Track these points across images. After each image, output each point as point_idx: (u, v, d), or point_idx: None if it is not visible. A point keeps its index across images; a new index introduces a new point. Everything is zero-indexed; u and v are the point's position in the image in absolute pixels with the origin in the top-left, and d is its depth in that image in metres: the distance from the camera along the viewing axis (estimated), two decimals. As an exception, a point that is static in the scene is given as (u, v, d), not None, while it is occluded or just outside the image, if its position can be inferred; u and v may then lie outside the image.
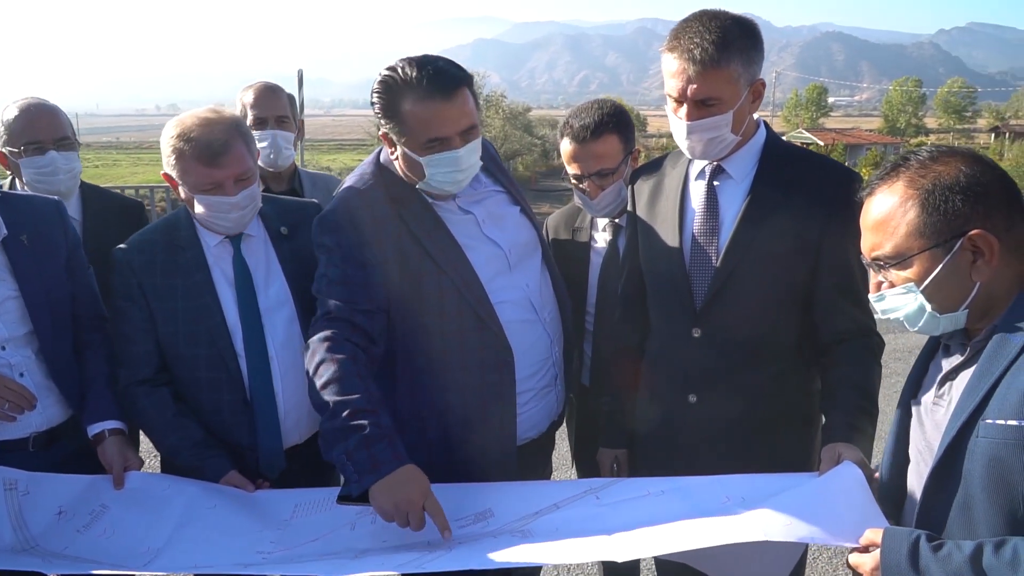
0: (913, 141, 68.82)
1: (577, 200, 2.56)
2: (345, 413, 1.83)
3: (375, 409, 1.87)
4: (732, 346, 2.04)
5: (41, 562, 1.82)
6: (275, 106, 3.02)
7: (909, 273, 1.42)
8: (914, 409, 1.59)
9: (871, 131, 74.66)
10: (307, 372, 2.01)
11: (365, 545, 1.86)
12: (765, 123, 2.10)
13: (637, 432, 2.28)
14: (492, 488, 2.01)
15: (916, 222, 1.39)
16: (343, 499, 1.87)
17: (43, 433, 2.15)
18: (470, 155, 2.01)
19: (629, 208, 2.29)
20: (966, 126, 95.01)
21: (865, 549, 1.47)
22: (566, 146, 2.45)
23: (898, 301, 1.46)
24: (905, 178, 1.43)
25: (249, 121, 3.00)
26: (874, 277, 1.50)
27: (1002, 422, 1.30)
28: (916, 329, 1.47)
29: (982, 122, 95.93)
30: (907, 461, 1.59)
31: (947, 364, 1.51)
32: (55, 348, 2.15)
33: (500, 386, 2.09)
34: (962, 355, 1.46)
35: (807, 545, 2.06)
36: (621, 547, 1.66)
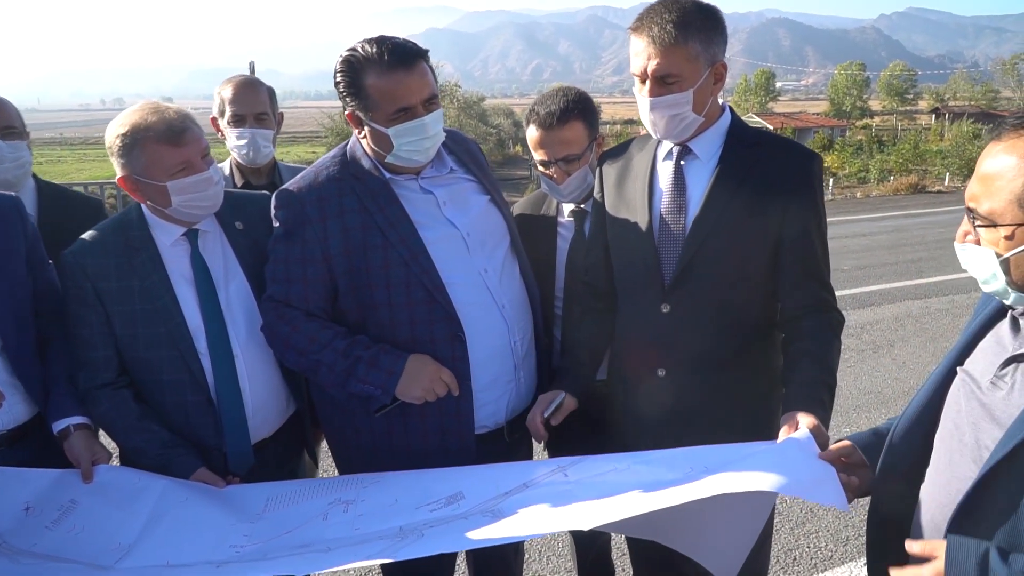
0: (859, 123, 70.46)
1: (543, 186, 2.59)
2: (339, 358, 2.07)
3: (354, 338, 2.11)
4: (700, 321, 2.09)
5: (8, 563, 1.79)
6: (255, 102, 2.97)
7: (995, 237, 1.32)
8: (960, 376, 1.49)
9: (818, 114, 76.19)
10: (279, 349, 2.16)
11: (339, 534, 1.87)
12: (730, 107, 2.16)
13: (608, 407, 2.33)
14: (463, 471, 2.04)
15: (1021, 193, 1.26)
16: (379, 410, 2.12)
17: (8, 432, 2.09)
18: (435, 123, 2.08)
19: (596, 191, 2.32)
20: (908, 108, 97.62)
21: (919, 560, 1.37)
22: (532, 132, 2.48)
23: (975, 258, 1.37)
24: None
25: (227, 117, 2.95)
26: (965, 224, 1.39)
27: None
28: (986, 289, 1.40)
29: (923, 104, 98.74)
30: (934, 426, 1.52)
31: (1016, 344, 1.39)
32: (19, 346, 2.10)
33: (454, 362, 2.12)
34: None
35: (771, 514, 2.13)
36: (586, 516, 1.70)
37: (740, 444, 1.86)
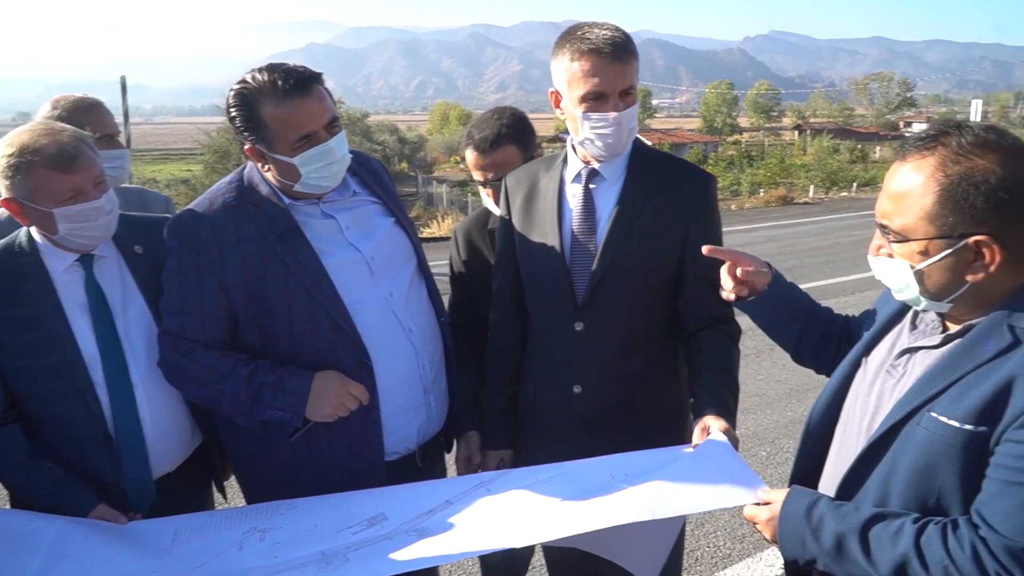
0: (729, 139, 74.26)
1: (486, 203, 2.65)
2: (242, 385, 2.01)
3: (256, 363, 2.04)
4: (612, 337, 2.16)
5: None
6: (104, 123, 2.76)
7: (908, 251, 1.40)
8: (863, 366, 1.65)
9: (692, 131, 79.90)
10: (179, 383, 2.08)
11: (256, 564, 1.81)
12: None
13: (522, 426, 2.35)
14: (382, 492, 2.01)
15: (930, 209, 1.35)
16: (293, 434, 2.06)
17: None
18: (340, 146, 2.04)
19: (502, 211, 2.36)
20: (773, 125, 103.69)
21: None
22: (469, 155, 2.57)
23: (890, 270, 1.46)
24: (938, 157, 1.35)
25: None
26: (877, 238, 1.48)
27: (945, 419, 1.34)
28: (899, 298, 1.50)
29: (787, 120, 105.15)
30: (838, 413, 1.68)
31: (911, 338, 1.54)
32: None
33: None
34: (931, 336, 1.49)
35: (685, 519, 2.22)
36: (517, 534, 1.71)
37: (656, 451, 1.93)
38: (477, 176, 2.60)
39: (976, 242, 1.33)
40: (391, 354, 2.13)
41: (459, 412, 2.40)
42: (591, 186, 2.18)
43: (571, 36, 2.05)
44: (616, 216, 2.12)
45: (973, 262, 1.36)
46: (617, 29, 2.03)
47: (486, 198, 2.63)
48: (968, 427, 1.31)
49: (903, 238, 1.40)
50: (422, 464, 2.28)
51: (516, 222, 2.29)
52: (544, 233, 2.21)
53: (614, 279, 2.12)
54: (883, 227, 1.45)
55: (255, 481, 2.24)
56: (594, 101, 2.04)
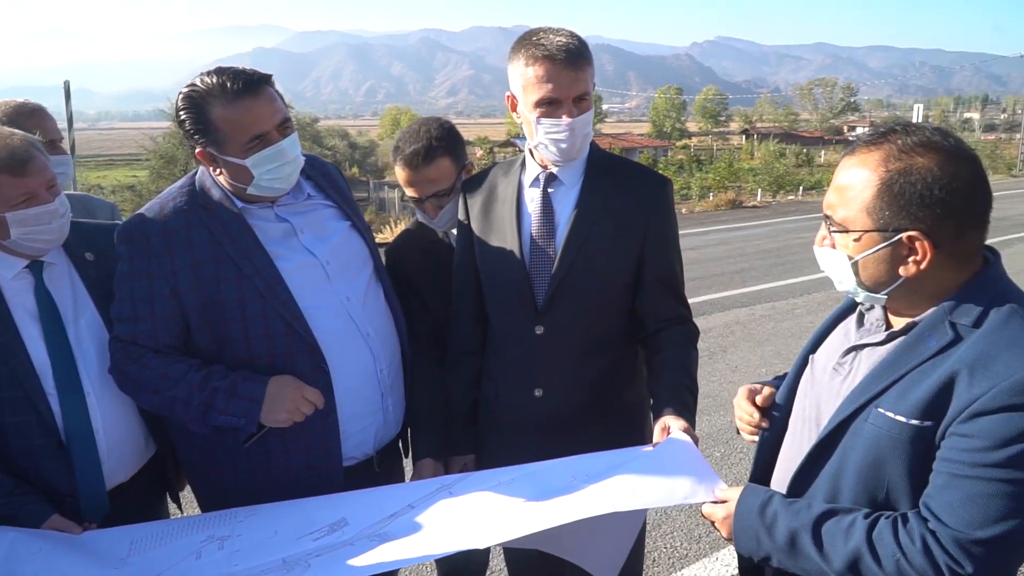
0: (679, 144, 75.44)
1: (420, 217, 2.58)
2: (195, 391, 1.98)
3: (209, 369, 2.02)
4: (573, 339, 2.18)
5: None
6: (46, 129, 2.69)
7: (847, 241, 1.45)
8: (810, 364, 1.69)
9: (642, 135, 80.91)
10: (131, 390, 2.06)
11: (214, 573, 1.79)
12: None
13: (483, 430, 2.36)
14: (344, 497, 2.00)
15: (869, 203, 1.40)
16: (248, 439, 2.03)
17: None
18: (293, 147, 2.03)
19: (461, 215, 2.35)
20: (721, 129, 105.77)
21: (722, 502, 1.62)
22: (399, 171, 2.46)
23: (829, 260, 1.51)
24: (883, 152, 1.41)
25: None
26: (822, 229, 1.52)
27: (891, 415, 1.38)
28: (840, 288, 1.54)
29: (734, 125, 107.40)
30: (790, 410, 1.72)
31: (857, 336, 1.58)
32: None
33: None
34: (876, 334, 1.53)
35: (645, 520, 2.25)
36: (479, 534, 1.72)
37: (617, 451, 1.96)
38: (410, 192, 2.49)
39: (909, 237, 1.38)
40: (348, 358, 2.12)
41: (416, 430, 2.38)
42: (549, 190, 2.20)
43: (526, 41, 2.06)
44: (574, 219, 2.15)
45: (906, 257, 1.40)
46: (572, 35, 2.05)
47: (420, 214, 2.56)
48: (914, 422, 1.35)
49: (843, 228, 1.45)
50: (380, 469, 2.27)
51: (475, 227, 2.30)
52: (503, 237, 2.22)
53: (573, 282, 2.14)
54: (827, 217, 1.50)
55: (211, 489, 2.21)
56: (548, 107, 2.05)
